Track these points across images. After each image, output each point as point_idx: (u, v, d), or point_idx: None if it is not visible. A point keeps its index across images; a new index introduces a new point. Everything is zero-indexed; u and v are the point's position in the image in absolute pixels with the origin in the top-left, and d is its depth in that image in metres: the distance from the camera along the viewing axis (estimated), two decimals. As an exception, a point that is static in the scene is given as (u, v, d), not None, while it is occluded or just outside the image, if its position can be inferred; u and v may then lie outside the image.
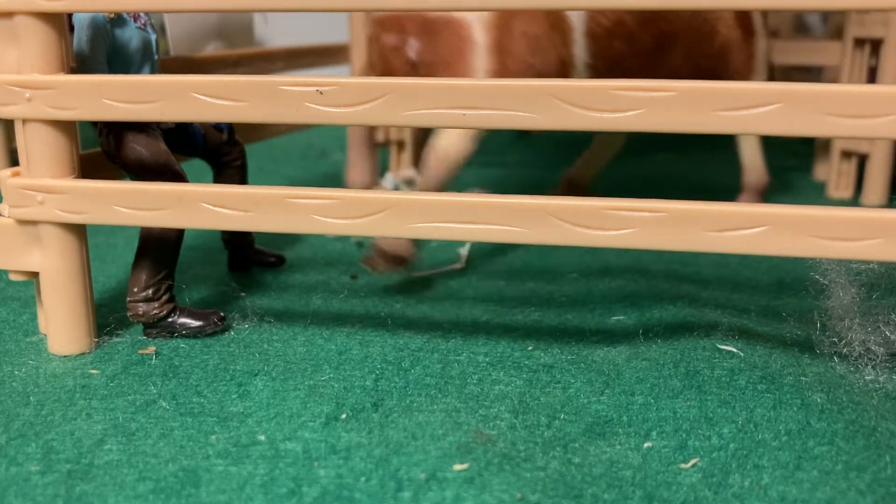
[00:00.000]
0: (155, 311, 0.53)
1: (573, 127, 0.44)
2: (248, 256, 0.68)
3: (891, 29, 0.85)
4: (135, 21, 0.52)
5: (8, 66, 0.47)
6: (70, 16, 0.50)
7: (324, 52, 0.94)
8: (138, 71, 0.53)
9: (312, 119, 0.46)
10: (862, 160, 0.94)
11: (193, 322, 0.54)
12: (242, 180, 0.63)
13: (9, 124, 0.84)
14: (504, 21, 0.60)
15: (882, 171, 0.90)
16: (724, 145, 1.23)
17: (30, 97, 0.47)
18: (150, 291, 0.53)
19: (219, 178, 0.63)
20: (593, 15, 0.62)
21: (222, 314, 0.55)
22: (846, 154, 0.94)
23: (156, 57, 0.54)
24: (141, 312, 0.53)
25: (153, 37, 0.54)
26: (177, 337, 0.54)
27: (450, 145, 0.61)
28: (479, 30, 0.60)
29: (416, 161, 1.04)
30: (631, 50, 0.65)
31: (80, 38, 0.50)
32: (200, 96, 0.46)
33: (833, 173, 0.95)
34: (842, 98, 0.41)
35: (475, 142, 0.61)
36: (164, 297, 0.54)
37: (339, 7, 0.45)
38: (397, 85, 0.45)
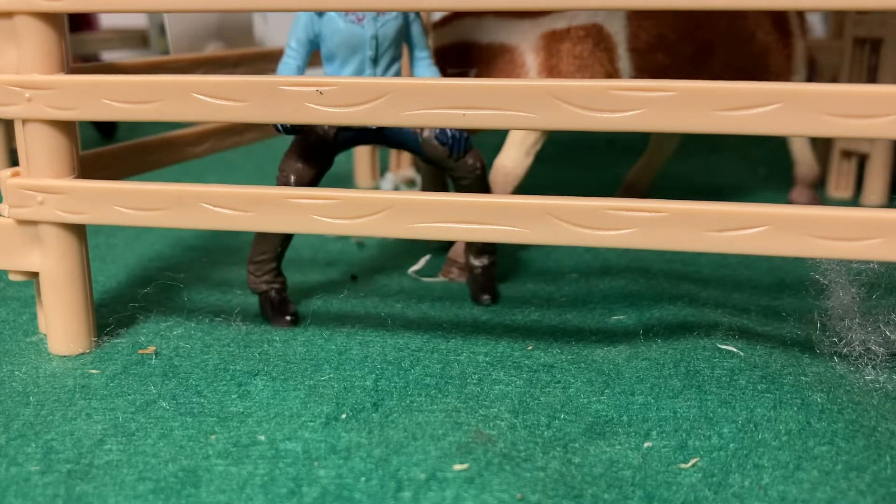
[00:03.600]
0: (254, 286, 0.58)
1: (573, 127, 0.44)
2: None
3: (891, 29, 0.85)
4: (347, 15, 0.52)
5: (8, 66, 0.47)
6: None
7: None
8: (341, 67, 0.53)
9: (312, 119, 0.46)
10: (862, 160, 0.94)
11: (270, 312, 0.57)
12: (480, 191, 0.57)
13: (9, 124, 0.84)
14: (551, 43, 0.63)
15: (882, 171, 0.90)
16: (724, 145, 1.23)
17: (30, 97, 0.47)
18: (253, 267, 0.58)
19: (455, 188, 0.60)
20: (635, 31, 0.65)
21: (293, 316, 0.57)
22: (846, 154, 0.94)
23: (369, 53, 0.52)
24: (250, 282, 0.58)
25: (369, 32, 0.52)
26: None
27: (513, 164, 0.65)
28: (529, 54, 0.63)
29: (416, 161, 1.04)
30: (673, 61, 0.67)
31: (293, 22, 0.53)
32: (200, 96, 0.46)
33: (833, 173, 0.95)
34: (842, 98, 0.41)
35: (532, 156, 0.65)
36: (265, 277, 0.58)
37: (339, 7, 0.45)
38: (397, 85, 0.45)
